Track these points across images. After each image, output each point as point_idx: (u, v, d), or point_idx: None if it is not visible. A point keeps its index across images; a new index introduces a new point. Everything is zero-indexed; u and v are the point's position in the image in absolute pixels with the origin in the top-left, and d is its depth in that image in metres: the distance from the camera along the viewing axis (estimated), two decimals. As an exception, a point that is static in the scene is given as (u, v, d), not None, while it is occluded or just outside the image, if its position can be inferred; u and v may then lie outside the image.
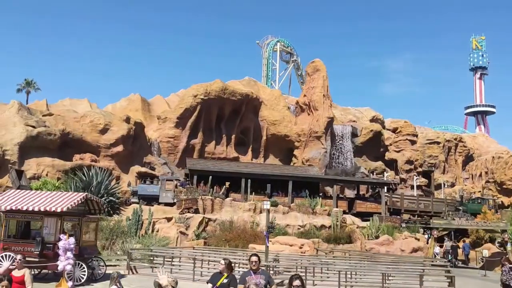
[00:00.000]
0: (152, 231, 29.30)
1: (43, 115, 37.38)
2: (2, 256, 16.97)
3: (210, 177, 33.84)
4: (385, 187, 38.98)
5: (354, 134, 51.50)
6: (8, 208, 16.98)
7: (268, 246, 18.11)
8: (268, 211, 18.67)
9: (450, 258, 32.91)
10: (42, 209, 16.74)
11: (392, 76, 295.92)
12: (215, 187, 34.34)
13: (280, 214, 33.66)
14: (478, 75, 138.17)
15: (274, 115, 49.59)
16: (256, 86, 57.92)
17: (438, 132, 75.32)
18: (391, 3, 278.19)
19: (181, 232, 29.03)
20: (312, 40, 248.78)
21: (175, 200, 33.07)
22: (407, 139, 56.24)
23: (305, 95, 50.01)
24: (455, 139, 72.14)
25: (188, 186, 34.73)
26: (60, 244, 16.18)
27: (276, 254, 22.55)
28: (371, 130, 55.17)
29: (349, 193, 46.16)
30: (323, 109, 47.48)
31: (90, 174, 30.35)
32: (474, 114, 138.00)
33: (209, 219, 31.18)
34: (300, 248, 25.89)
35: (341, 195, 40.96)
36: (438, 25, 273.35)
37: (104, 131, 37.81)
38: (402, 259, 25.17)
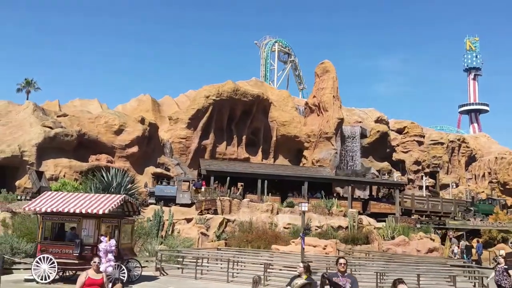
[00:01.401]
0: (172, 232, 29.40)
1: (57, 116, 37.34)
2: (40, 258, 17.02)
3: (228, 178, 33.99)
4: (399, 188, 39.26)
5: (363, 135, 51.83)
6: (49, 210, 17.04)
7: (304, 248, 18.26)
8: (304, 213, 18.80)
9: (465, 258, 33.19)
10: (83, 211, 16.77)
11: (385, 76, 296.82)
12: (232, 188, 34.48)
13: (297, 215, 33.76)
14: (472, 76, 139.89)
15: (283, 116, 49.80)
16: (263, 86, 58.13)
17: (441, 133, 75.78)
18: (385, 5, 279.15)
19: (202, 233, 29.12)
20: (306, 41, 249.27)
21: (194, 201, 33.11)
22: (414, 140, 56.71)
23: (314, 96, 50.25)
24: (458, 139, 72.68)
25: (205, 187, 34.81)
26: (101, 246, 16.22)
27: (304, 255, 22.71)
28: (378, 131, 55.62)
29: (359, 193, 46.44)
30: (333, 110, 47.73)
31: (110, 175, 30.27)
32: (468, 112, 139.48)
33: (228, 220, 31.29)
34: (324, 249, 26.02)
35: (354, 196, 41.20)
36: (431, 27, 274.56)
37: (119, 132, 37.80)
38: (426, 260, 25.40)
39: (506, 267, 14.46)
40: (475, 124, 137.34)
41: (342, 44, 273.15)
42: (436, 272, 20.28)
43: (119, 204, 17.60)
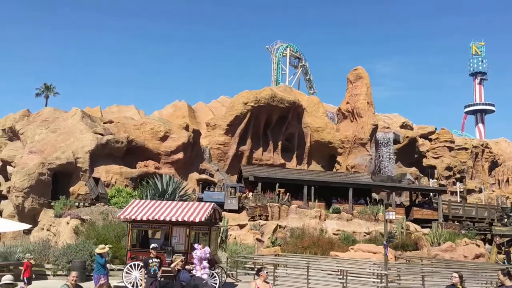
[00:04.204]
0: (227, 238, 29.76)
1: (103, 123, 37.78)
2: (131, 266, 17.41)
3: (277, 184, 34.34)
4: (442, 194, 39.56)
5: (396, 141, 52.20)
6: (144, 218, 17.47)
7: (387, 255, 18.56)
8: (386, 221, 19.15)
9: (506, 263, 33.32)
10: (180, 219, 17.19)
11: (382, 80, 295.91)
12: (281, 194, 34.84)
13: (344, 221, 34.15)
14: (477, 80, 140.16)
15: (316, 122, 50.21)
16: (292, 92, 58.43)
17: (465, 138, 76.04)
18: (387, 9, 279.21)
19: (257, 239, 29.47)
20: (303, 44, 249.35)
21: (246, 207, 33.45)
22: (445, 145, 57.01)
23: (348, 102, 50.63)
24: (481, 145, 72.74)
25: (253, 193, 35.19)
26: (197, 253, 16.62)
27: (373, 262, 23.04)
28: (407, 137, 56.07)
29: (395, 199, 46.68)
30: (367, 116, 48.12)
31: (164, 182, 30.70)
32: (474, 113, 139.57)
33: (280, 226, 31.63)
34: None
35: (397, 202, 41.49)
36: (431, 30, 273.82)
37: (164, 138, 38.22)
38: (488, 267, 25.60)
39: None
40: (480, 125, 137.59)
41: (341, 47, 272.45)
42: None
43: (212, 212, 18.05)
